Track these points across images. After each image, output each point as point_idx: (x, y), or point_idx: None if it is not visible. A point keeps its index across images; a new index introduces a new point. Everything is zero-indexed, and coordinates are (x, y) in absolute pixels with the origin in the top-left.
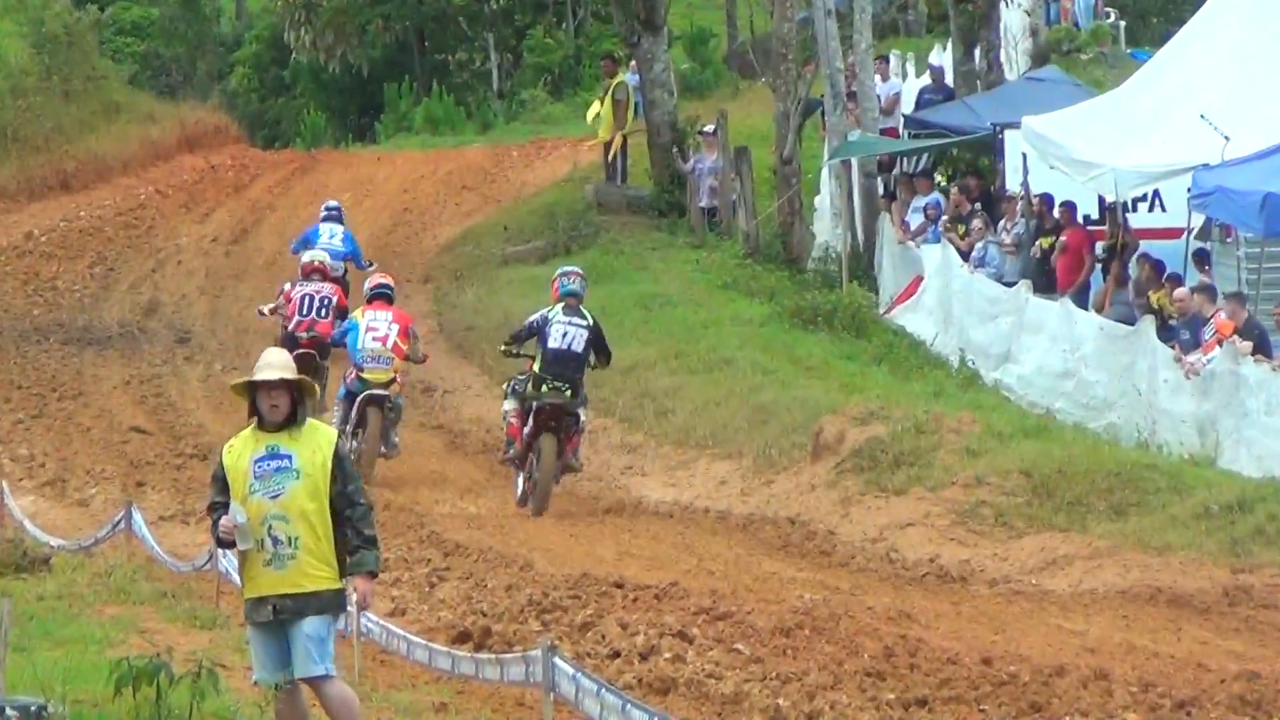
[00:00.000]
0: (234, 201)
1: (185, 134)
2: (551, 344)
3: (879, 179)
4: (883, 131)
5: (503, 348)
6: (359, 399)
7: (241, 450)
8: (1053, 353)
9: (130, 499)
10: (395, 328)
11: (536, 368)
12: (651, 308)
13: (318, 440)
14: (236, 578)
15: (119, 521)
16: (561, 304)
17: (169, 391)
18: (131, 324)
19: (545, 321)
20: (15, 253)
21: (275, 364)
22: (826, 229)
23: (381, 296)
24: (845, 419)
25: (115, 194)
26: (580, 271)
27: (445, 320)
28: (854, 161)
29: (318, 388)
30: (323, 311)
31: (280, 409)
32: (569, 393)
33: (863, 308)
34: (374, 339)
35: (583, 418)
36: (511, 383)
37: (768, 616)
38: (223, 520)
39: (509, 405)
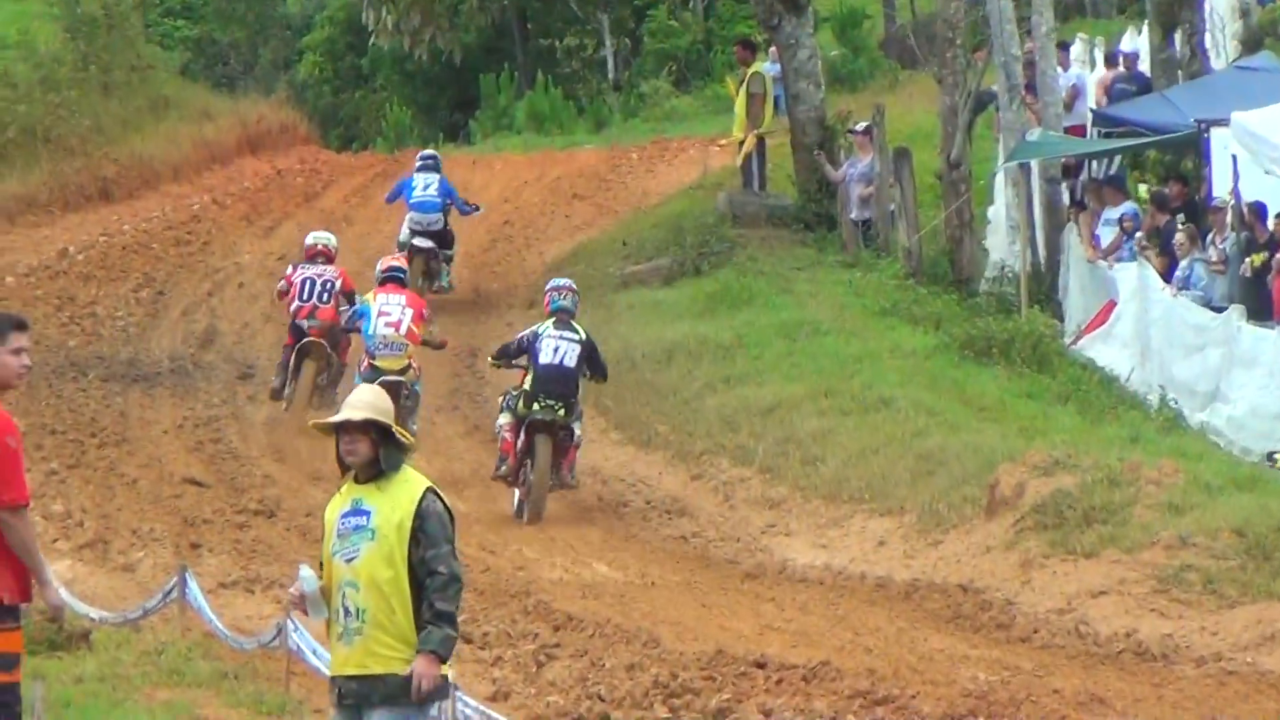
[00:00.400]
0: (304, 213)
1: (246, 133)
2: (543, 360)
3: (1063, 186)
4: (1067, 130)
5: (491, 361)
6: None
7: (335, 504)
8: (1270, 390)
9: (184, 563)
10: (409, 312)
11: (528, 385)
12: (796, 338)
13: (401, 495)
14: (310, 656)
15: (171, 590)
16: (553, 319)
17: (229, 437)
18: (184, 357)
19: (536, 337)
20: (48, 273)
21: (354, 403)
22: (1001, 245)
23: (393, 279)
24: (1025, 469)
25: (164, 204)
26: (573, 286)
27: None
28: (1033, 165)
29: (409, 435)
30: (324, 296)
31: (357, 454)
32: (561, 410)
33: (1045, 337)
34: (387, 324)
35: (577, 432)
36: (505, 397)
37: (935, 701)
38: (291, 587)
39: (503, 420)
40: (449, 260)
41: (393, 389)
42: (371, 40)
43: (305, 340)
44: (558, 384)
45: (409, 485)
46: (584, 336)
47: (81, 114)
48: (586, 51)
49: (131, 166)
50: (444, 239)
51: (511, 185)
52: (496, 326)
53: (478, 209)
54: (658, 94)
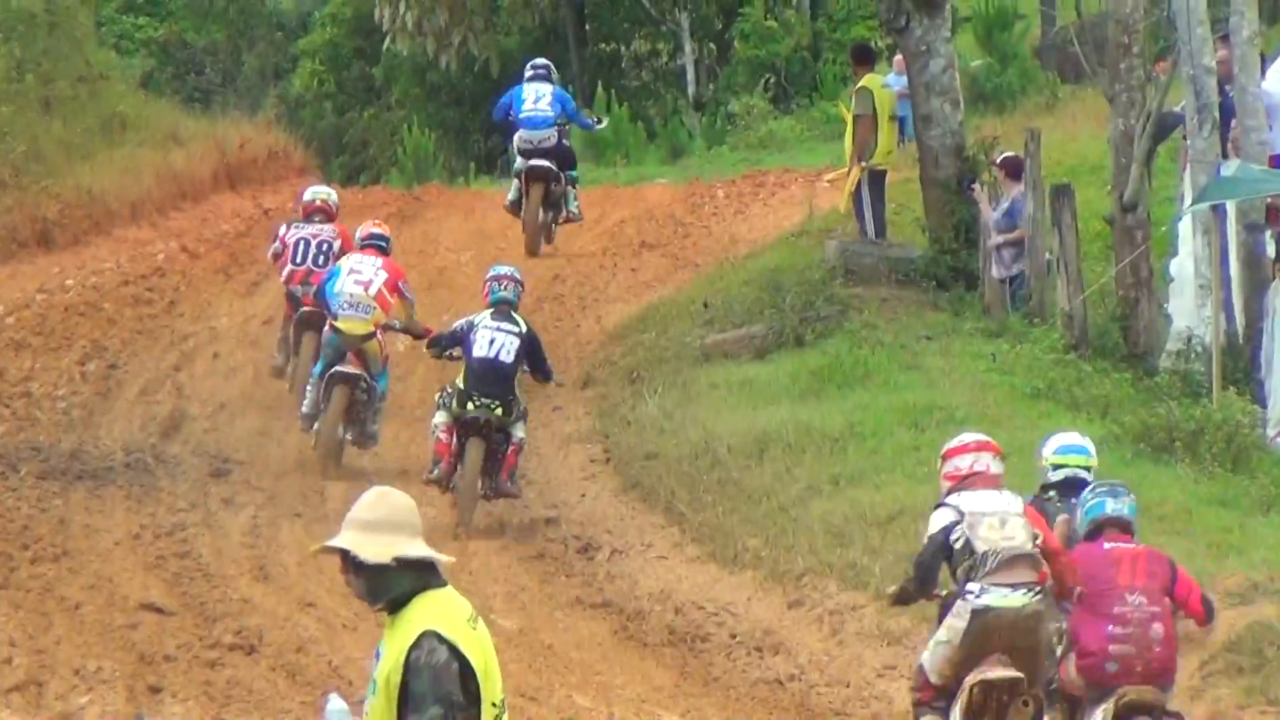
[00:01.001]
0: None
1: (225, 162)
2: (477, 353)
3: (1268, 235)
4: (1272, 161)
5: (427, 349)
6: (324, 376)
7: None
8: None
9: (140, 712)
10: (383, 275)
11: (460, 382)
12: (924, 426)
13: (397, 639)
14: None
15: None
16: (490, 309)
17: (199, 550)
18: (143, 448)
19: (471, 327)
20: None
21: (347, 519)
22: (1188, 309)
23: (374, 246)
24: (1217, 594)
25: (119, 253)
26: (516, 276)
27: (615, 444)
28: (1229, 208)
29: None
30: (320, 260)
31: (351, 586)
32: (498, 409)
33: (1242, 428)
34: (356, 281)
35: (517, 434)
36: (441, 394)
37: None
38: None
39: (438, 419)
40: (574, 183)
41: (348, 380)
42: (386, 45)
43: (305, 310)
44: (493, 381)
45: (408, 626)
46: (524, 329)
47: (15, 136)
48: (660, 60)
49: (78, 204)
50: (564, 157)
51: (563, 230)
52: (541, 411)
53: (601, 122)
54: (751, 114)
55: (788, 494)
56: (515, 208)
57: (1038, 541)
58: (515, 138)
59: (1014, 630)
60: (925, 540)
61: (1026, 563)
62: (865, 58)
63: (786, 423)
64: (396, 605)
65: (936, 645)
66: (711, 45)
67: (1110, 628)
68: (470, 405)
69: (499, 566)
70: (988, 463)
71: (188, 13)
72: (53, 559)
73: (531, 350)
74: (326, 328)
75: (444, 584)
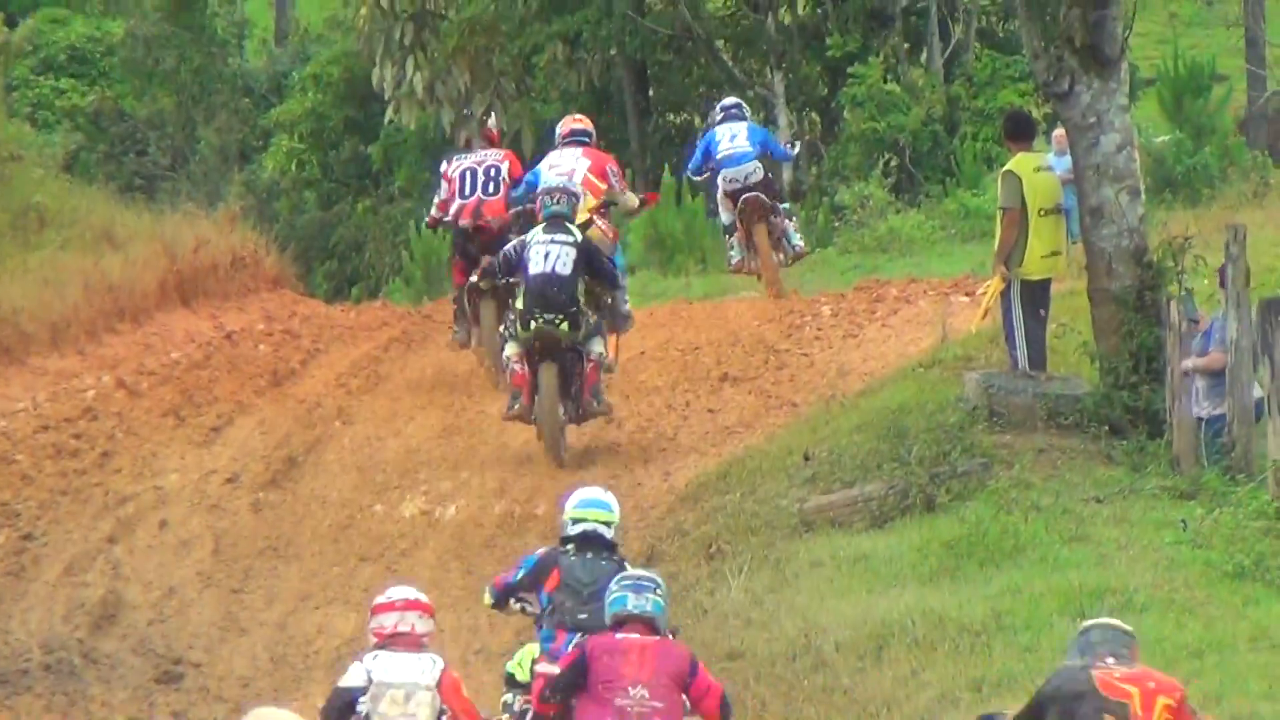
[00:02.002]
0: (270, 405)
1: (175, 270)
2: (533, 270)
3: None
4: None
5: (481, 281)
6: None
7: None
8: None
9: None
10: (585, 162)
11: (520, 303)
12: (1094, 613)
13: None
14: None
15: None
16: (543, 224)
17: None
18: (69, 645)
19: (524, 246)
20: None
21: None
22: None
23: (575, 141)
24: None
25: (37, 388)
26: (570, 189)
27: (689, 639)
28: None
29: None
30: (490, 187)
31: None
32: (564, 324)
33: None
34: (558, 174)
35: (594, 350)
36: (505, 325)
37: None
38: None
39: (509, 350)
40: (792, 216)
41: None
42: (388, 117)
43: (474, 281)
44: (552, 294)
45: None
46: (579, 238)
47: None
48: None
49: None
50: (772, 189)
51: (619, 358)
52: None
53: (795, 146)
54: (866, 206)
55: (914, 705)
56: (742, 266)
57: (444, 718)
58: (720, 182)
59: None
60: (333, 691)
61: None
62: (1021, 131)
63: (912, 611)
64: None
65: None
66: (814, 116)
67: None
68: (533, 324)
69: None
70: (413, 622)
71: (126, 74)
72: None
73: (590, 258)
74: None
75: None
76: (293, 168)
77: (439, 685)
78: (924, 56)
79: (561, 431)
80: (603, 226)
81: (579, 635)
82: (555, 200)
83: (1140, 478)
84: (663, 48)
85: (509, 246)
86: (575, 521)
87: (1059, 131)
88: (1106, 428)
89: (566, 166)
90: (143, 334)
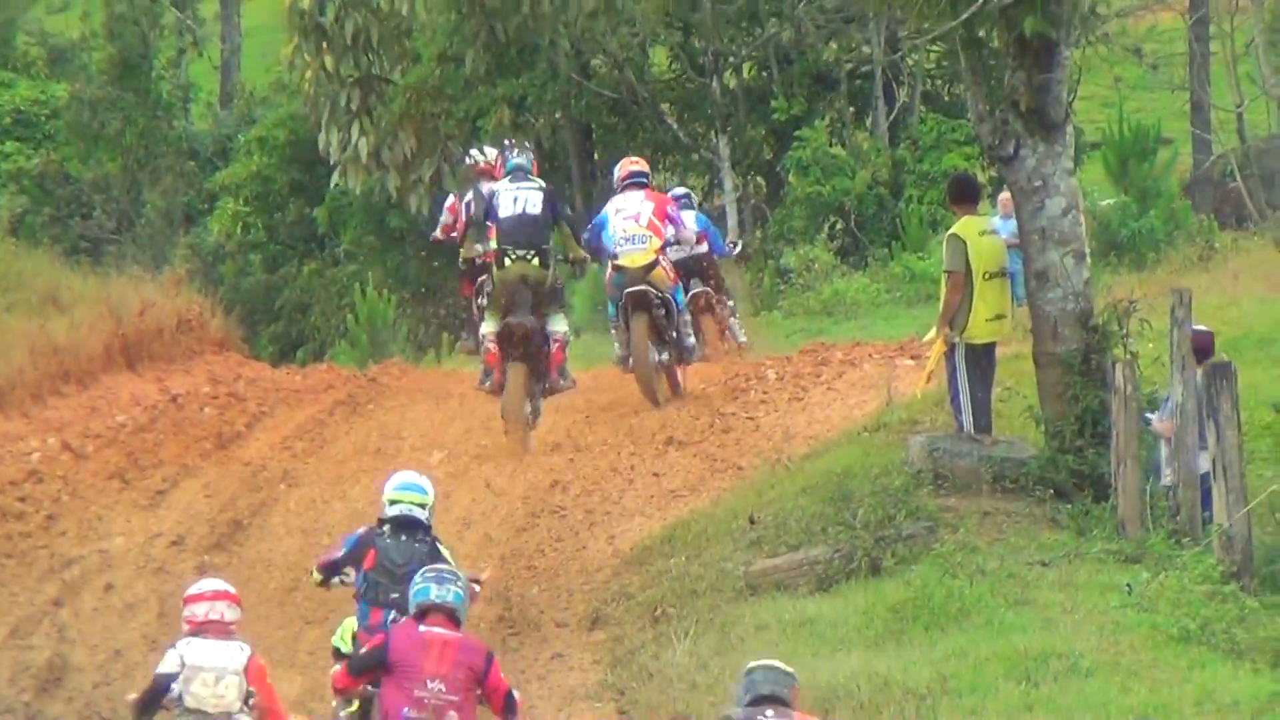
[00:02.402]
0: (216, 468)
1: (121, 334)
2: (504, 213)
3: None
4: None
5: (462, 250)
6: (620, 307)
7: None
8: None
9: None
10: (649, 204)
11: (494, 243)
12: (1039, 680)
13: None
14: None
15: None
16: (507, 176)
17: None
18: (14, 709)
19: (492, 195)
20: None
21: None
22: None
23: (634, 184)
24: None
25: None
26: (527, 145)
27: (633, 703)
28: None
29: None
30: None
31: None
32: (534, 258)
33: None
34: (624, 218)
35: (558, 330)
36: (481, 295)
37: None
38: None
39: (485, 329)
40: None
41: (641, 303)
42: (334, 181)
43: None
44: (524, 233)
45: None
46: (542, 184)
47: None
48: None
49: None
50: (717, 279)
51: (563, 422)
52: (537, 660)
53: (736, 246)
54: (812, 269)
55: None
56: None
57: (251, 701)
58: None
59: None
60: (152, 677)
61: None
62: (966, 194)
63: (858, 675)
64: None
65: None
66: (760, 179)
67: (406, 710)
68: (507, 261)
69: None
70: (222, 611)
71: (71, 137)
72: None
73: (553, 199)
74: (610, 268)
75: None
76: (238, 230)
77: (246, 670)
78: (869, 120)
79: (524, 425)
80: (665, 266)
81: (393, 612)
82: (517, 153)
83: (1086, 541)
84: (608, 111)
85: (478, 207)
86: (392, 503)
87: (1004, 195)
88: (1052, 491)
89: (632, 210)
90: (88, 397)
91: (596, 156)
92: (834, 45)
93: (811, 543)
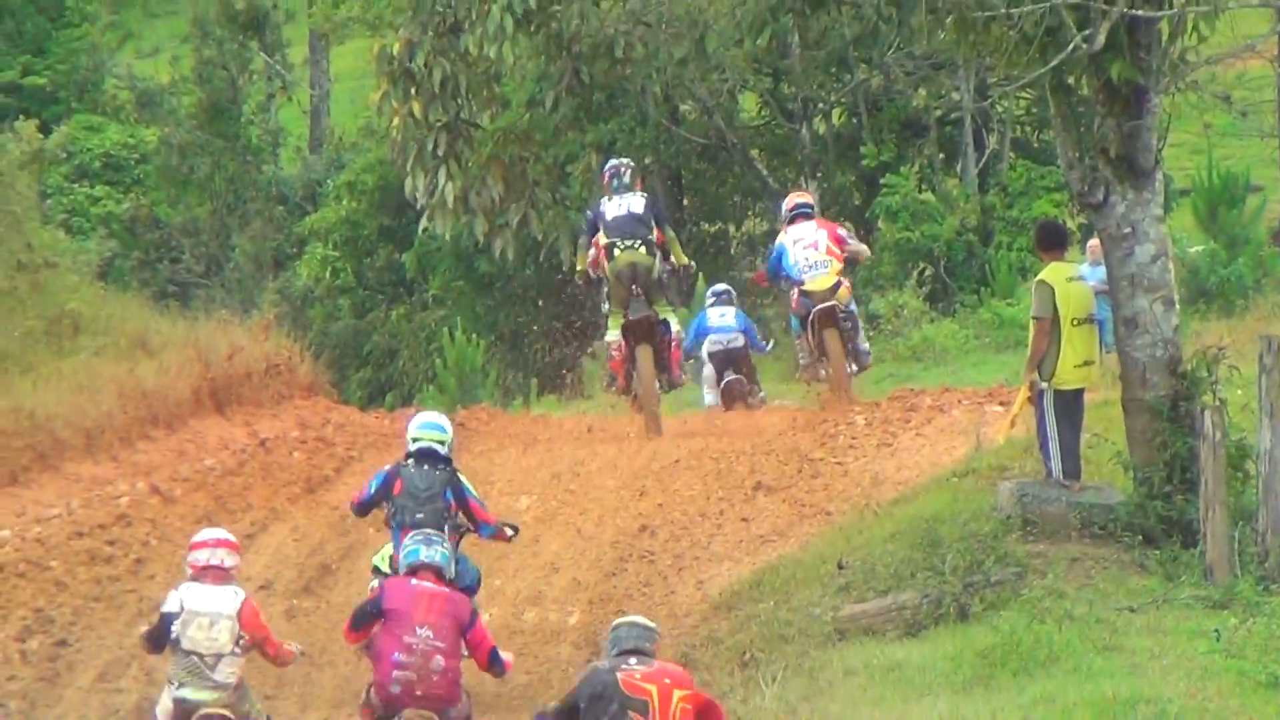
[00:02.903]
0: (304, 512)
1: (209, 378)
2: (610, 216)
3: None
4: None
5: (580, 271)
6: (808, 321)
7: None
8: None
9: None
10: (823, 232)
11: (603, 240)
12: None
13: None
14: None
15: None
16: (608, 196)
17: None
18: None
19: (598, 205)
20: None
21: None
22: None
23: (802, 214)
24: None
25: (71, 494)
26: (630, 163)
27: None
28: None
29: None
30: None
31: None
32: (641, 248)
33: None
34: (804, 246)
35: (674, 326)
36: (602, 299)
37: None
38: None
39: (611, 336)
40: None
41: (829, 317)
42: (422, 227)
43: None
44: (630, 227)
45: None
46: (645, 194)
47: None
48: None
49: (15, 431)
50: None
51: (651, 467)
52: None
53: (769, 345)
54: (901, 315)
55: None
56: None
57: (241, 643)
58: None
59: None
60: (158, 615)
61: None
62: (1054, 241)
63: None
64: None
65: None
66: (849, 225)
67: (396, 654)
68: (617, 252)
69: None
70: (223, 557)
71: (160, 182)
72: None
73: (655, 204)
74: (796, 296)
75: None
76: (327, 275)
77: (239, 614)
78: (959, 166)
79: (655, 403)
80: (847, 285)
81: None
82: (621, 174)
83: (1174, 587)
84: (697, 156)
85: (585, 221)
86: (414, 440)
87: (1093, 241)
88: (1140, 537)
89: (810, 239)
90: (177, 440)
91: (685, 202)
92: (923, 92)
93: (900, 588)
